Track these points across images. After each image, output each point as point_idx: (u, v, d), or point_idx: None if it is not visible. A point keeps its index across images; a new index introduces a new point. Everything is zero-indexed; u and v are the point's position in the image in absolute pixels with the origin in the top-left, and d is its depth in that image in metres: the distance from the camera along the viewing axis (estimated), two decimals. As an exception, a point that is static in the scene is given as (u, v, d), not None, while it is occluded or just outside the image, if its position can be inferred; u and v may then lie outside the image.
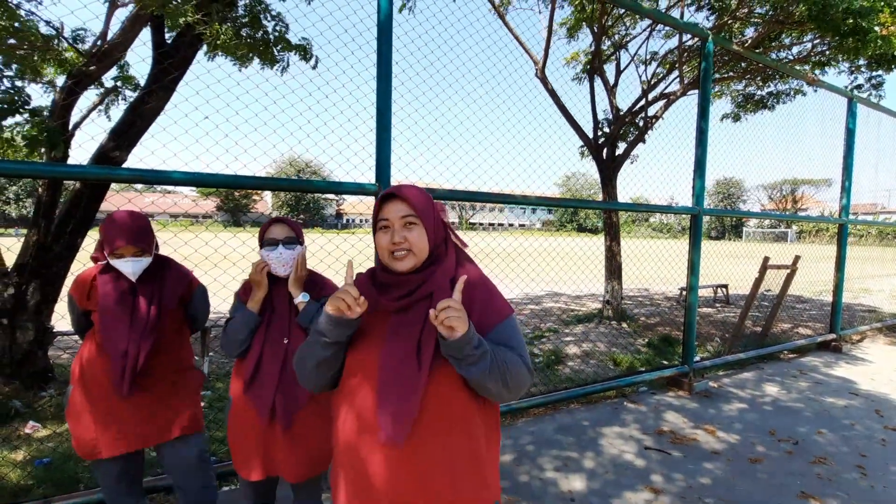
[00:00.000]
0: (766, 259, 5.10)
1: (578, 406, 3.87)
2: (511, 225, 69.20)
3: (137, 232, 1.75)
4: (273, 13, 4.82)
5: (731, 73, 7.63)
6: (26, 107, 2.76)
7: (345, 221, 62.60)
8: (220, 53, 4.81)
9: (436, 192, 2.83)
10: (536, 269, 9.20)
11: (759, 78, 8.01)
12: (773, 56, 7.31)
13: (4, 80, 2.99)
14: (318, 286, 1.80)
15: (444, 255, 1.18)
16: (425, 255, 1.13)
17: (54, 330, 4.01)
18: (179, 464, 1.87)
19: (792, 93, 7.91)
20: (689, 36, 6.52)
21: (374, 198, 2.65)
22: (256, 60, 5.01)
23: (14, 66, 3.31)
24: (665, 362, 5.26)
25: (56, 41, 3.44)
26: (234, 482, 2.65)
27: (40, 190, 3.69)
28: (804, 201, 46.56)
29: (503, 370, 1.06)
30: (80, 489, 2.52)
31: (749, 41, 6.80)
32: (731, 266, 11.74)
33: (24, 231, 3.84)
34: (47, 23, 3.10)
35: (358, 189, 2.61)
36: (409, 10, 6.87)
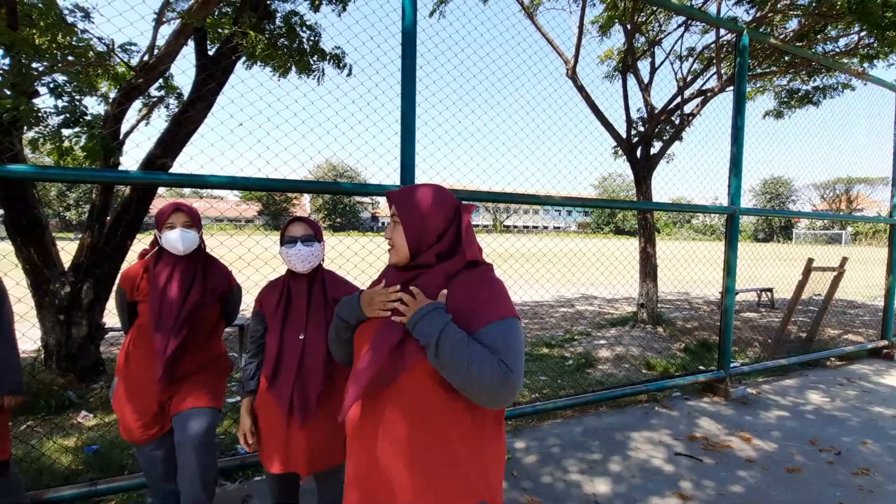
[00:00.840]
0: (811, 261, 4.86)
1: (607, 410, 3.80)
2: (546, 227, 68.36)
3: (188, 207, 1.95)
4: (308, 23, 5.01)
5: (773, 68, 7.32)
6: (84, 118, 2.98)
7: (380, 224, 63.51)
8: (258, 63, 5.04)
9: (458, 192, 2.86)
10: (565, 272, 9.07)
11: (803, 72, 7.64)
12: (819, 49, 6.96)
13: (64, 96, 3.24)
14: (341, 286, 1.87)
15: (430, 260, 1.17)
16: (405, 252, 1.18)
17: (105, 326, 4.29)
18: (184, 433, 1.89)
19: (840, 87, 7.50)
20: (725, 30, 6.30)
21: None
22: (293, 70, 5.22)
23: (72, 82, 3.57)
24: (702, 368, 5.09)
25: (109, 57, 3.69)
26: (264, 472, 2.76)
27: (94, 195, 3.97)
28: (859, 201, 43.78)
29: (464, 366, 1.02)
30: (124, 474, 2.69)
31: (792, 34, 6.51)
32: (778, 269, 11.21)
33: (81, 235, 4.14)
34: (99, 39, 3.34)
35: (382, 190, 2.68)
36: (441, 14, 6.98)
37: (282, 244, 1.78)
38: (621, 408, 3.84)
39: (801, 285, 4.88)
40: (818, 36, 6.78)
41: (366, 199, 59.81)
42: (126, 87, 3.60)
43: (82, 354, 4.03)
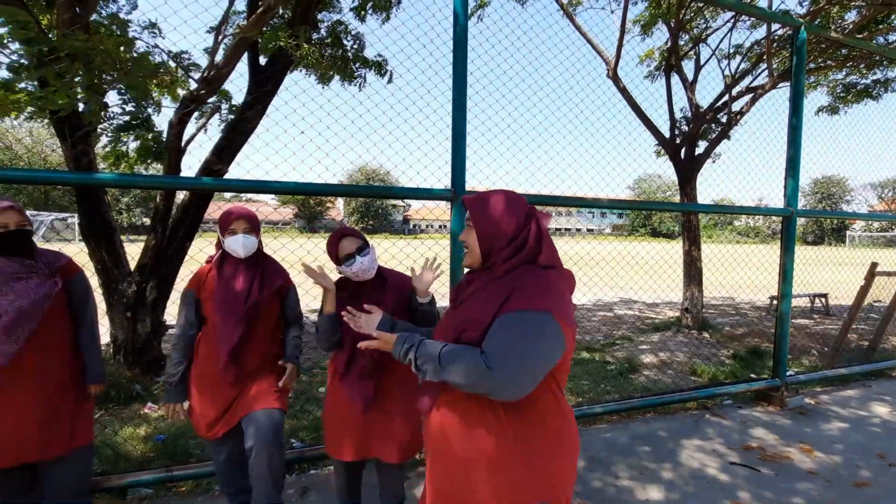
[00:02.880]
0: (874, 265, 4.61)
1: (655, 416, 3.73)
2: (579, 230, 67.21)
3: (248, 213, 2.07)
4: (353, 33, 5.17)
5: (828, 63, 6.98)
6: (146, 123, 3.19)
7: (411, 227, 64.06)
8: (300, 69, 5.22)
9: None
10: (603, 276, 8.90)
11: (862, 65, 7.26)
12: (880, 40, 6.59)
13: (131, 101, 3.46)
14: (390, 280, 1.92)
15: (502, 261, 1.22)
16: (478, 256, 1.27)
17: (166, 323, 4.54)
18: (255, 434, 1.95)
19: (905, 79, 7.08)
20: (778, 24, 6.07)
21: (448, 203, 2.77)
22: (336, 78, 5.39)
23: (132, 88, 3.81)
24: (753, 375, 4.91)
25: (165, 68, 3.92)
26: (321, 465, 2.87)
27: (158, 200, 4.22)
28: (923, 201, 40.91)
29: (446, 377, 1.14)
30: (192, 461, 2.85)
31: (851, 26, 6.20)
32: (831, 274, 10.64)
33: (134, 237, 4.39)
34: (168, 54, 3.57)
35: (433, 195, 2.74)
36: (479, 18, 7.02)
37: (340, 264, 1.85)
38: (670, 414, 3.76)
39: (863, 290, 4.64)
40: (880, 26, 6.43)
41: (399, 203, 60.46)
42: (189, 98, 3.81)
43: (146, 350, 4.29)
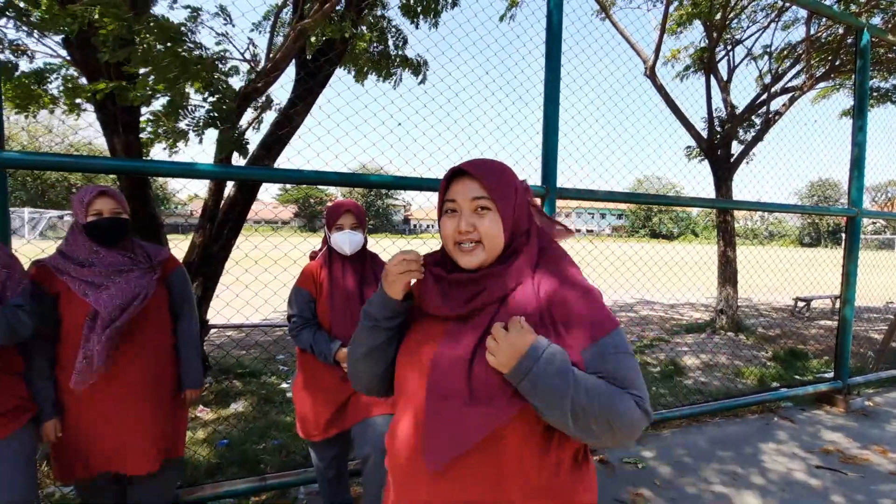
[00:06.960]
0: (926, 267, 4.57)
1: (722, 419, 3.67)
2: (578, 230, 67.47)
3: (356, 208, 2.00)
4: (395, 28, 5.05)
5: (850, 67, 6.99)
6: (230, 117, 3.07)
7: (412, 226, 63.85)
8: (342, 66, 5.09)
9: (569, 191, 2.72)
10: (618, 276, 8.86)
11: (884, 70, 7.29)
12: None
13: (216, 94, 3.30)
14: None
15: (522, 247, 0.94)
16: (499, 249, 0.92)
17: (209, 323, 4.41)
18: (371, 441, 1.86)
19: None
20: (815, 27, 6.06)
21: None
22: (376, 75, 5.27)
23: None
24: (797, 377, 4.87)
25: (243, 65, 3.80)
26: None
27: (207, 195, 4.09)
28: (916, 204, 41.46)
29: (604, 420, 0.81)
30: (262, 468, 2.73)
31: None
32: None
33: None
34: (241, 53, 3.47)
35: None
36: (511, 18, 6.93)
37: None
38: (738, 418, 3.69)
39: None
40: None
41: (399, 202, 60.23)
42: (245, 90, 3.69)
43: (190, 350, 4.15)
